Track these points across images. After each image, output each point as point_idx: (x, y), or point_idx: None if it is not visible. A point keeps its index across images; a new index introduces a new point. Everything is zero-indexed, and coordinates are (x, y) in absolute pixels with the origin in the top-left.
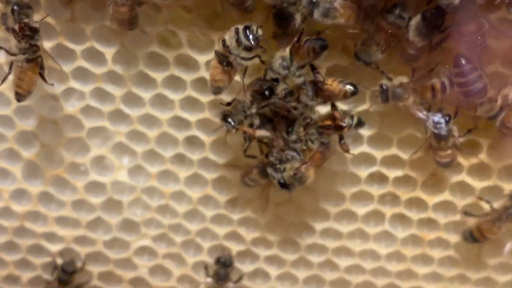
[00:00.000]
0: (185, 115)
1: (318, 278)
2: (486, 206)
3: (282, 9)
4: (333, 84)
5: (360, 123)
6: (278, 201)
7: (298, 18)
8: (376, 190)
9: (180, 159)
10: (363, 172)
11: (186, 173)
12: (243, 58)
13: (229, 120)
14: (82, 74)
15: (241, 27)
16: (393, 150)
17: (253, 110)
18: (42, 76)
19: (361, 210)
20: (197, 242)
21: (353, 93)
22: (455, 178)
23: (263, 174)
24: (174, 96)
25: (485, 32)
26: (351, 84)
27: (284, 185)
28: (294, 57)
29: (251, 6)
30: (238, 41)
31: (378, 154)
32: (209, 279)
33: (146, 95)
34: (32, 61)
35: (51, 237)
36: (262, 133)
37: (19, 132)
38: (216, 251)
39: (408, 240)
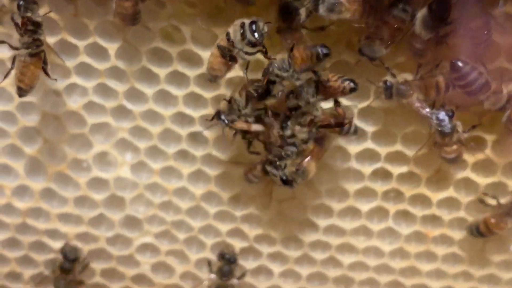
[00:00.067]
0: (189, 111)
1: (322, 275)
2: (492, 202)
3: (287, 3)
4: (333, 80)
5: (355, 131)
6: (281, 197)
7: (302, 13)
8: (380, 187)
9: (183, 155)
10: (367, 169)
11: (189, 169)
12: (246, 53)
13: (222, 117)
14: (85, 70)
15: (247, 22)
16: (397, 147)
17: (247, 110)
18: (45, 71)
19: (364, 206)
20: (200, 238)
21: (352, 90)
22: (460, 174)
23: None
24: (178, 92)
25: (491, 27)
26: (351, 80)
27: (286, 182)
28: (295, 61)
29: None
30: (243, 35)
31: (382, 150)
32: (212, 276)
33: (149, 91)
34: (35, 56)
35: (53, 233)
36: (258, 127)
37: (22, 128)
38: (219, 248)
39: (412, 236)
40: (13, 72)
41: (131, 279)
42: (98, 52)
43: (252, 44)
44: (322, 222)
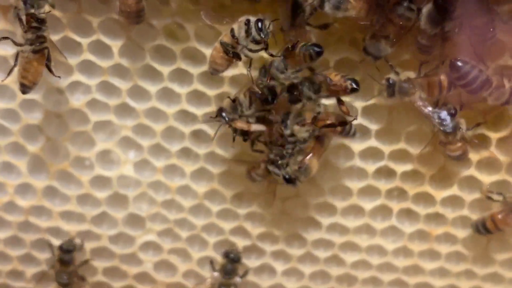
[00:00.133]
0: (192, 109)
1: (324, 274)
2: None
3: (291, 1)
4: (335, 78)
5: (354, 133)
6: (284, 195)
7: (307, 10)
8: (383, 185)
9: (186, 153)
10: (371, 167)
11: (192, 167)
12: (250, 50)
13: (224, 115)
14: (88, 67)
15: (253, 19)
16: (401, 145)
17: (250, 112)
18: (49, 68)
19: (368, 205)
20: (202, 237)
21: (354, 90)
22: (464, 172)
23: None
24: (181, 89)
25: (496, 25)
26: (354, 80)
27: (289, 181)
28: (289, 62)
29: None
30: (247, 32)
31: (386, 148)
32: (216, 274)
33: (152, 88)
34: (38, 52)
35: (55, 232)
36: (258, 127)
37: (24, 126)
38: (222, 246)
39: (415, 235)
40: (16, 70)
41: (133, 278)
42: (101, 49)
43: (257, 42)
44: (325, 221)
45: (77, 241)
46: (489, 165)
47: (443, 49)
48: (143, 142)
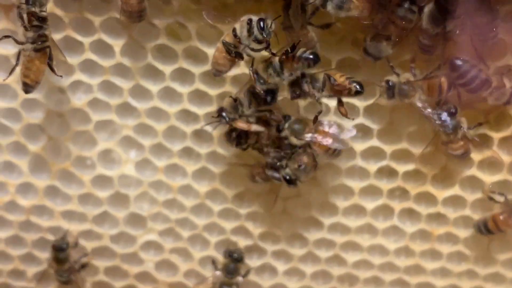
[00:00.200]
0: (193, 108)
1: (326, 273)
2: (500, 199)
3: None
4: (340, 79)
5: (338, 154)
6: (286, 195)
7: (308, 10)
8: (385, 185)
9: (187, 152)
10: (372, 166)
11: (193, 167)
12: (252, 49)
13: (224, 114)
14: (90, 67)
15: (255, 18)
16: (403, 144)
17: (250, 111)
18: (51, 67)
19: (369, 204)
20: (204, 236)
21: (358, 93)
22: (466, 172)
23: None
24: (183, 89)
25: (498, 24)
26: (358, 83)
27: (290, 181)
28: (285, 66)
29: None
30: (250, 31)
31: (388, 148)
32: (218, 273)
33: (154, 88)
34: (40, 51)
35: (57, 231)
36: (257, 128)
37: (26, 125)
38: (223, 246)
39: (417, 235)
40: (18, 69)
41: (134, 277)
42: (103, 49)
43: (259, 41)
44: (327, 220)
45: (71, 238)
46: (491, 165)
47: (444, 49)
48: (144, 141)
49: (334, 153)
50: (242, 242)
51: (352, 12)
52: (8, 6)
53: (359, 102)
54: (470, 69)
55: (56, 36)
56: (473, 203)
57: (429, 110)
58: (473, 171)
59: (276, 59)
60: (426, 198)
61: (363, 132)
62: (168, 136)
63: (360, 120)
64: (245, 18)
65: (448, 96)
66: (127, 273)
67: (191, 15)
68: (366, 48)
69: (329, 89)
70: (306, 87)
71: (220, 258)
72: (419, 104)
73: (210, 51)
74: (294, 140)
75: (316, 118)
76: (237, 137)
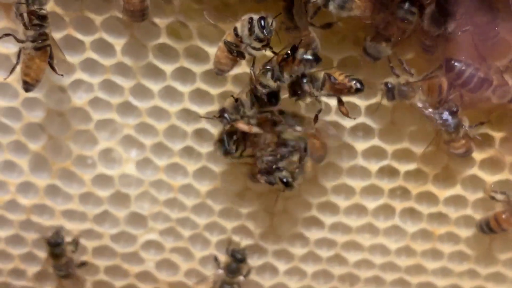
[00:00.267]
0: (194, 107)
1: (327, 273)
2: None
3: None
4: (340, 78)
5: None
6: (287, 195)
7: (310, 10)
8: (386, 184)
9: (188, 152)
10: (374, 166)
11: (194, 166)
12: (253, 48)
13: (226, 115)
14: (90, 66)
15: (256, 17)
16: (404, 144)
17: (251, 113)
18: (51, 66)
19: (371, 204)
20: (204, 236)
21: (358, 90)
22: (467, 172)
23: None
24: (184, 88)
25: (499, 23)
26: (358, 80)
27: (287, 183)
28: (285, 70)
29: None
30: (251, 30)
31: (389, 147)
32: (220, 271)
33: (155, 87)
34: (40, 49)
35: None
36: (258, 130)
37: (26, 124)
38: (224, 245)
39: (418, 234)
40: (18, 68)
41: (135, 276)
42: (104, 48)
43: (260, 40)
44: (328, 220)
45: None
46: (492, 164)
47: (446, 50)
48: (145, 140)
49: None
50: (243, 242)
51: (354, 12)
52: (8, 5)
53: (360, 102)
54: (466, 69)
55: (57, 35)
56: (475, 203)
57: (430, 110)
58: (474, 170)
59: (275, 63)
60: (428, 197)
61: (365, 131)
62: (169, 135)
63: (362, 119)
64: (246, 17)
65: (451, 97)
66: (128, 273)
67: (192, 14)
68: (365, 48)
69: (330, 88)
70: (307, 87)
71: (221, 257)
72: (420, 105)
73: (211, 50)
74: (287, 135)
75: (316, 117)
76: (234, 141)
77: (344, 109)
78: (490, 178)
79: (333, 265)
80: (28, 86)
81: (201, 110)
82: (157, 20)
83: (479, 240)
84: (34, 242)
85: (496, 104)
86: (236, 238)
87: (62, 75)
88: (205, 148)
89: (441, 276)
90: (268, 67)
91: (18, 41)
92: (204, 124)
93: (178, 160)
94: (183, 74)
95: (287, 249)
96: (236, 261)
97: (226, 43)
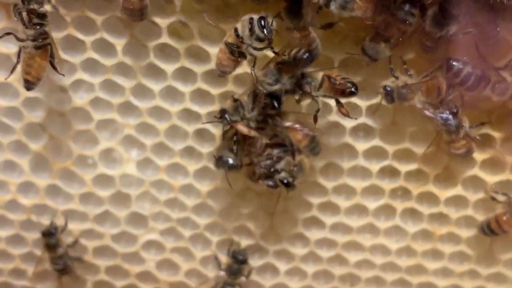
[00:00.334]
0: (195, 107)
1: (327, 273)
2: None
3: (296, 2)
4: (337, 79)
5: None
6: (287, 195)
7: (309, 11)
8: (387, 185)
9: (189, 152)
10: (375, 166)
11: (195, 166)
12: (254, 48)
13: (226, 116)
14: (91, 66)
15: (256, 17)
16: (405, 144)
17: (252, 115)
18: (53, 65)
19: (371, 204)
20: (205, 236)
21: (352, 93)
22: (468, 172)
23: None
24: (184, 88)
25: (500, 23)
26: (353, 84)
27: (288, 184)
28: (282, 69)
29: None
30: (251, 30)
31: (390, 148)
32: (222, 273)
33: (156, 87)
34: (41, 48)
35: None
36: (256, 134)
37: (27, 124)
38: (224, 245)
39: (419, 235)
40: (19, 68)
41: (135, 276)
42: (105, 47)
43: (261, 40)
44: (329, 220)
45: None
46: (493, 165)
47: (447, 51)
48: (146, 140)
49: (311, 144)
50: (244, 242)
51: (356, 12)
52: (8, 5)
53: (361, 102)
54: (463, 67)
55: (58, 35)
56: (476, 203)
57: (430, 110)
58: (475, 171)
59: (273, 66)
60: (428, 198)
61: (365, 131)
62: (170, 135)
63: (363, 119)
64: (246, 17)
65: (451, 97)
66: (128, 273)
67: (193, 14)
68: (364, 48)
69: (329, 89)
70: (307, 87)
71: (222, 258)
72: (419, 106)
73: (212, 50)
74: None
75: (315, 117)
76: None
77: (344, 110)
78: (491, 178)
79: (334, 265)
80: (29, 85)
81: (202, 110)
82: (158, 20)
83: (479, 241)
84: (34, 242)
85: (496, 103)
86: (236, 238)
87: (63, 75)
88: (206, 148)
89: (442, 277)
90: (268, 68)
91: (19, 39)
92: (205, 124)
93: (178, 160)
94: (184, 74)
95: (288, 249)
96: (238, 262)
97: (227, 44)
